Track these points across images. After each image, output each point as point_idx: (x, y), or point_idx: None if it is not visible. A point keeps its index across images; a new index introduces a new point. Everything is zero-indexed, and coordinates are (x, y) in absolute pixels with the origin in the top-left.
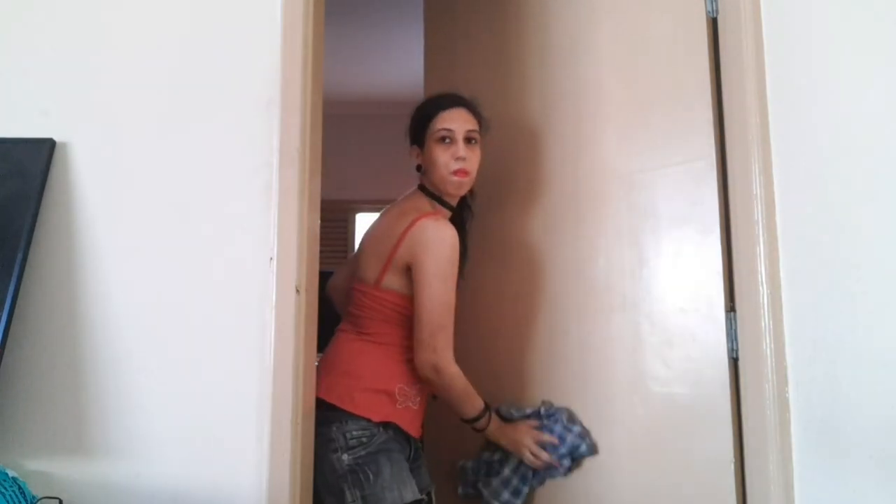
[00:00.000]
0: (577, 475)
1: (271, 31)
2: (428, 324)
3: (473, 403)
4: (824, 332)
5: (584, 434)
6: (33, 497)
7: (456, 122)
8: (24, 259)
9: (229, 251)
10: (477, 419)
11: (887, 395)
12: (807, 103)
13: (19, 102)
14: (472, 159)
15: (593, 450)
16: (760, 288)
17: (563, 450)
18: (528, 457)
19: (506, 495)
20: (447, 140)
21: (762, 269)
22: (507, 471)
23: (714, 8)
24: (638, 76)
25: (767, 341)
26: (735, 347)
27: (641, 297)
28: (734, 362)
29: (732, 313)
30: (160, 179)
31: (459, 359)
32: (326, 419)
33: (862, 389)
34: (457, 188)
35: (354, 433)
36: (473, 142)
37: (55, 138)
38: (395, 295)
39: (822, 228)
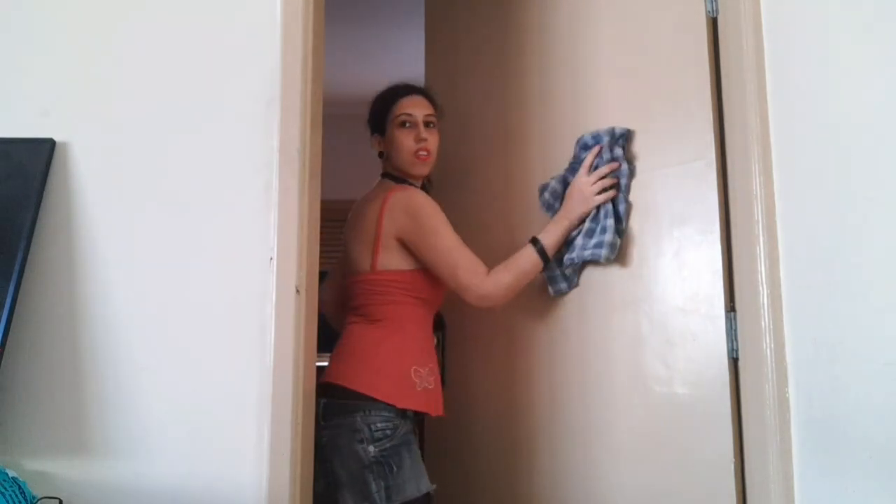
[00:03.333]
0: (576, 475)
1: (271, 31)
2: (448, 274)
3: (531, 261)
4: (824, 332)
5: (611, 133)
6: (33, 497)
7: (415, 107)
8: (24, 259)
9: (229, 251)
10: (544, 257)
11: (887, 395)
12: (807, 103)
13: (19, 102)
14: (432, 141)
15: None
16: (760, 288)
17: (616, 153)
18: (600, 198)
19: (594, 241)
20: (408, 124)
21: (762, 269)
22: (586, 224)
23: (714, 8)
24: (638, 76)
25: (767, 341)
26: (735, 347)
27: (641, 296)
28: (734, 362)
29: (732, 313)
30: (160, 179)
31: (455, 359)
32: (349, 408)
33: (862, 389)
34: (421, 168)
35: (379, 425)
36: (432, 125)
37: (55, 138)
38: (393, 273)
39: (822, 228)
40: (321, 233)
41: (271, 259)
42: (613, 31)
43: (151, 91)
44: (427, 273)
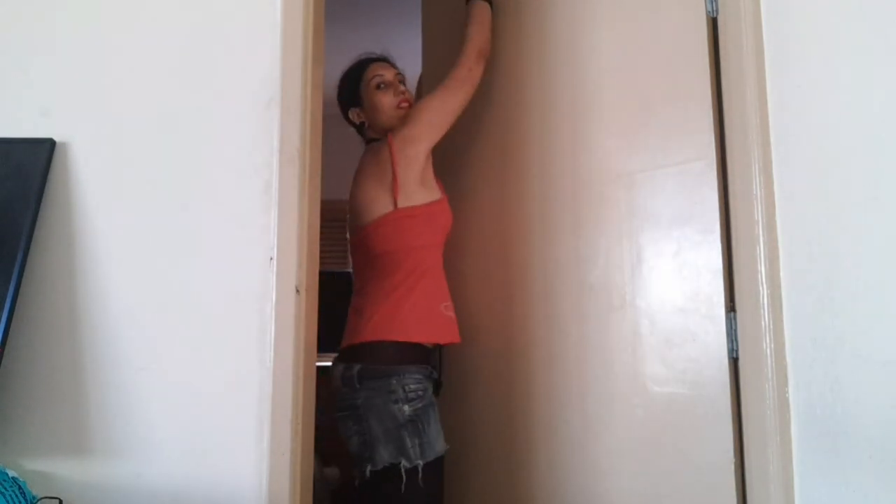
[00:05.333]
0: (575, 477)
1: (271, 31)
2: (462, 93)
3: (480, 10)
4: (824, 332)
5: None
6: (33, 497)
7: (385, 69)
8: (24, 259)
9: (229, 251)
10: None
11: (887, 394)
12: (807, 103)
13: (19, 102)
14: (409, 94)
15: None
16: (760, 288)
17: None
18: None
19: None
20: (383, 85)
21: (762, 269)
22: None
23: (714, 8)
24: (638, 76)
25: (767, 341)
26: (735, 347)
27: (641, 297)
28: (734, 362)
29: (732, 313)
30: (160, 179)
31: (453, 354)
32: (384, 372)
33: (862, 389)
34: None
35: (412, 386)
36: (403, 84)
37: (55, 138)
38: (413, 209)
39: (822, 228)
40: (321, 233)
41: (271, 259)
42: (613, 31)
43: (151, 91)
44: (439, 204)
